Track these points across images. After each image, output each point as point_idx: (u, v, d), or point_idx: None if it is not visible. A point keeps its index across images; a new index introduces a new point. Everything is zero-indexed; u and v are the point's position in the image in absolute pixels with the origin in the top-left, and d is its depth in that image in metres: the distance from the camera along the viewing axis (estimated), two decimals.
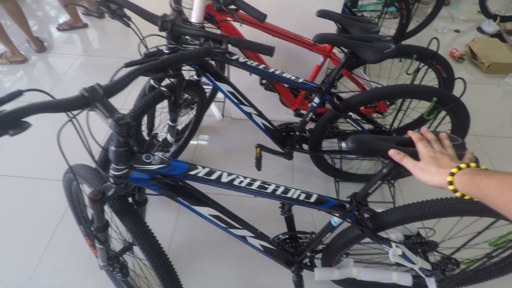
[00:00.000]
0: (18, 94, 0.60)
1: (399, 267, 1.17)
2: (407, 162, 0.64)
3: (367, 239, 1.02)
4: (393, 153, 0.65)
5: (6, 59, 2.62)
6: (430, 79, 1.55)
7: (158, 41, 1.06)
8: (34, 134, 0.50)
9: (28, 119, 0.59)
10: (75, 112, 0.68)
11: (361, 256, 1.18)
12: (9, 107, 0.57)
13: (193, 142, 1.99)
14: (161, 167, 0.77)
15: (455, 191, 0.55)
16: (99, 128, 0.74)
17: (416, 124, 1.77)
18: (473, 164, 0.56)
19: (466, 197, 0.54)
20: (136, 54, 0.86)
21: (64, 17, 3.20)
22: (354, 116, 1.44)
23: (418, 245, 0.99)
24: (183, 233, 1.57)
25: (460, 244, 1.01)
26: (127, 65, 0.78)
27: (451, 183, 0.55)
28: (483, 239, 0.98)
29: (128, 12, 1.01)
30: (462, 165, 0.55)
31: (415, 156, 0.64)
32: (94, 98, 0.66)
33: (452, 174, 0.55)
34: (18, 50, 2.62)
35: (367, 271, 1.06)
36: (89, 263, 1.42)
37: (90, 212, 1.16)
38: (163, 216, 1.62)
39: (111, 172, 0.77)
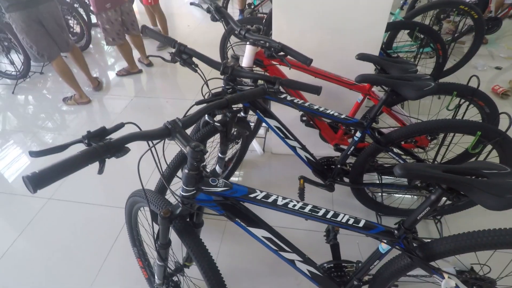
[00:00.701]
0: (121, 126, 0.75)
1: None
2: None
3: (416, 272, 1.02)
4: None
5: (74, 100, 3.03)
6: (472, 114, 1.57)
7: (212, 82, 1.23)
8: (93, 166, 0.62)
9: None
10: (155, 142, 0.82)
11: None
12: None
13: (234, 178, 2.11)
14: (224, 189, 0.87)
15: None
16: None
17: (461, 158, 1.75)
18: None
19: None
20: (182, 95, 1.01)
21: (120, 65, 3.67)
22: (395, 150, 1.48)
23: (473, 280, 0.97)
24: (225, 262, 1.62)
25: None
26: (198, 103, 0.94)
27: None
28: None
29: (195, 60, 1.21)
30: None
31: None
32: (175, 129, 0.80)
33: None
34: (85, 93, 3.04)
35: None
36: (138, 284, 1.50)
37: (147, 235, 1.28)
38: (207, 243, 1.69)
39: (180, 192, 0.89)
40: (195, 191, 0.87)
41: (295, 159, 1.59)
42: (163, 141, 0.85)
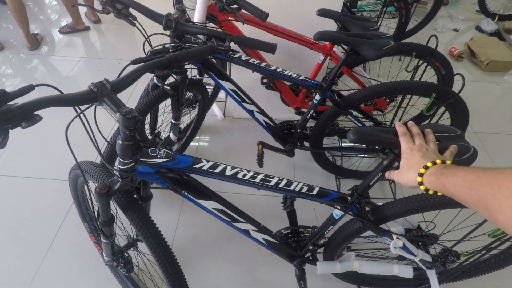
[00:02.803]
0: (30, 88, 0.62)
1: (400, 260, 1.19)
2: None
3: (369, 233, 1.04)
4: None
5: None
6: (429, 76, 1.57)
7: (160, 40, 1.09)
8: (35, 134, 0.52)
9: (40, 113, 0.61)
10: (83, 108, 0.70)
11: (363, 250, 1.20)
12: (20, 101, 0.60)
13: (194, 142, 2.01)
14: (166, 160, 0.79)
15: (427, 190, 0.56)
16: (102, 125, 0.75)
17: (416, 120, 1.78)
18: (438, 161, 0.56)
19: (439, 194, 0.55)
20: (137, 55, 0.88)
21: (65, 20, 3.23)
22: (354, 113, 1.46)
23: (419, 237, 1.01)
24: (186, 231, 1.58)
25: (461, 236, 1.03)
26: (134, 62, 0.81)
27: (421, 183, 0.56)
28: (483, 231, 0.99)
29: (133, 11, 1.04)
30: (429, 164, 0.56)
31: None
32: (102, 93, 0.68)
33: (421, 175, 0.56)
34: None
35: (369, 264, 1.08)
36: (93, 260, 1.43)
37: (95, 208, 1.19)
38: (165, 214, 1.64)
39: (118, 166, 0.79)
40: (133, 164, 0.78)
41: (257, 124, 1.53)
42: (94, 107, 0.74)
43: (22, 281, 1.38)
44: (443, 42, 3.06)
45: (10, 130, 0.57)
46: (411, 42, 1.58)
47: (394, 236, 0.91)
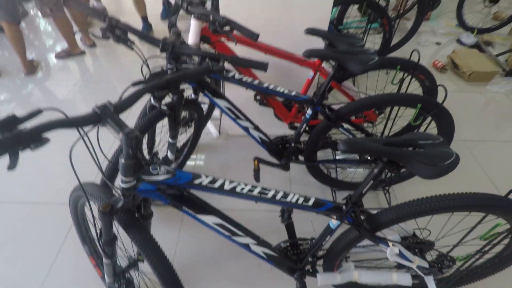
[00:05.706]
0: (38, 112, 0.65)
1: (399, 269, 1.20)
2: None
3: (366, 242, 1.07)
4: None
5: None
6: (414, 88, 1.65)
7: (155, 61, 1.14)
8: (28, 159, 0.53)
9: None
10: (86, 129, 0.73)
11: (362, 261, 1.22)
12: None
13: (191, 161, 2.04)
14: (167, 177, 0.82)
15: None
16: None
17: (405, 131, 1.85)
18: None
19: None
20: (131, 77, 0.92)
21: (60, 46, 3.31)
22: (346, 126, 1.52)
23: (415, 244, 1.03)
24: (186, 249, 1.58)
25: (456, 242, 1.06)
26: (134, 84, 0.85)
27: None
28: (476, 235, 1.02)
29: (131, 36, 1.09)
30: None
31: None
32: (106, 114, 0.72)
33: None
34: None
35: (368, 274, 1.09)
36: (93, 285, 1.42)
37: (94, 231, 1.20)
38: (165, 233, 1.64)
39: (120, 185, 0.81)
40: (135, 182, 0.80)
41: (252, 140, 1.57)
42: (97, 128, 0.77)
43: None
44: (427, 55, 3.20)
45: (20, 152, 0.60)
46: (395, 57, 1.66)
47: (390, 243, 0.94)
